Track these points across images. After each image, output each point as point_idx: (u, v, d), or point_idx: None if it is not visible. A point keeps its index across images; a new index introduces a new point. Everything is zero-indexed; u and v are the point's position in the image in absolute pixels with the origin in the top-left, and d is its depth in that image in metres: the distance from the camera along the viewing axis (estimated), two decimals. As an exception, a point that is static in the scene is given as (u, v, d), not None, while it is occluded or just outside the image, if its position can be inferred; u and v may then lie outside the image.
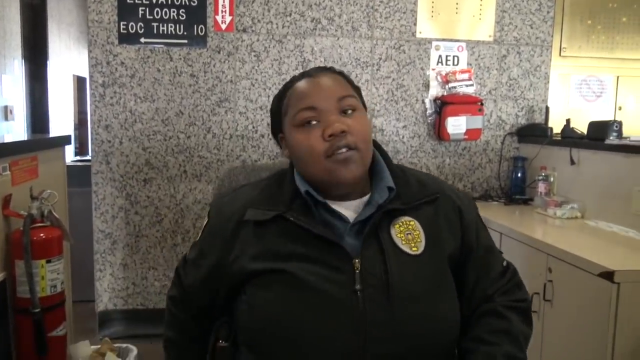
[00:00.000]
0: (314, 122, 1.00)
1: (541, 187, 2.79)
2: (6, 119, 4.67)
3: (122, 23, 2.80)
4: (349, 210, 1.02)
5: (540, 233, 2.36)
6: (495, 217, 2.55)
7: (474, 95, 3.06)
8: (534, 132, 3.08)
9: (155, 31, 2.83)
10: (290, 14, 2.93)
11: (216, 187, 1.32)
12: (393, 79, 3.05)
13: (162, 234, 2.94)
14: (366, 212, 1.00)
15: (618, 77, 3.41)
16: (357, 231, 0.99)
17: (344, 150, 0.97)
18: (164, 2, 2.82)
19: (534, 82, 3.18)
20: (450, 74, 3.05)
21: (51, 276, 1.65)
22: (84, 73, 6.13)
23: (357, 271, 0.94)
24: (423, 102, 3.08)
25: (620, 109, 3.42)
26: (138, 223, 2.92)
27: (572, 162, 2.64)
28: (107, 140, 2.85)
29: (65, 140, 2.31)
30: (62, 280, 1.70)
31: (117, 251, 2.92)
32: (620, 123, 2.56)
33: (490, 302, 1.04)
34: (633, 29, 3.40)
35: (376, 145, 1.10)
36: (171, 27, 2.84)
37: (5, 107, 4.65)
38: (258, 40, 2.91)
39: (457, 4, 3.06)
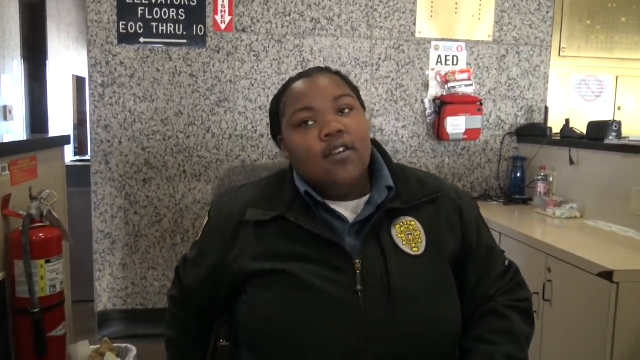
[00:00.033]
0: (310, 123, 0.99)
1: (540, 187, 2.80)
2: (5, 119, 4.66)
3: (121, 23, 2.80)
4: (348, 210, 1.02)
5: (539, 233, 2.37)
6: (495, 217, 2.55)
7: (473, 95, 3.06)
8: (533, 132, 3.08)
9: (154, 31, 2.83)
10: (290, 14, 2.93)
11: (216, 187, 1.32)
12: (392, 79, 3.05)
13: (162, 234, 2.94)
14: (366, 212, 0.99)
15: (617, 77, 3.41)
16: (356, 231, 0.99)
17: (341, 149, 0.97)
18: (163, 2, 2.82)
19: (533, 82, 3.18)
20: (449, 74, 3.05)
21: (50, 276, 1.65)
22: (84, 73, 6.13)
23: (358, 272, 0.94)
24: (422, 102, 3.09)
25: (619, 109, 3.43)
26: (137, 223, 2.92)
27: (572, 162, 2.64)
28: (106, 140, 2.85)
29: (65, 140, 2.31)
30: (62, 280, 1.70)
31: (117, 251, 2.92)
32: (619, 123, 2.56)
33: (491, 301, 1.04)
34: (632, 29, 3.40)
35: (376, 144, 1.10)
36: (170, 27, 2.84)
37: (5, 107, 4.65)
38: (257, 40, 2.91)
39: (456, 4, 3.06)
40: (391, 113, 3.07)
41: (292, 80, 1.07)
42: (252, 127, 2.95)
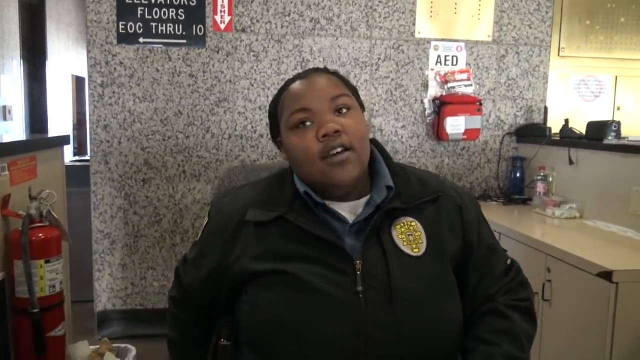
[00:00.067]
0: (308, 123, 0.99)
1: (540, 187, 2.80)
2: (5, 119, 4.66)
3: (120, 23, 2.80)
4: (348, 210, 1.02)
5: (538, 233, 2.37)
6: (494, 217, 2.55)
7: (472, 95, 3.06)
8: (532, 132, 3.09)
9: (154, 31, 2.83)
10: (289, 14, 2.93)
11: (215, 187, 1.32)
12: (392, 79, 3.05)
13: (161, 234, 2.94)
14: (365, 213, 0.99)
15: (616, 77, 3.42)
16: (356, 232, 0.99)
17: (339, 150, 0.96)
18: (163, 2, 2.82)
19: (533, 82, 3.18)
20: (449, 74, 3.05)
21: (50, 276, 1.64)
22: (83, 73, 6.12)
23: (359, 273, 0.94)
24: (422, 102, 3.09)
25: (618, 108, 3.43)
26: (137, 223, 2.92)
27: (571, 162, 2.65)
28: (105, 140, 2.85)
29: (64, 140, 2.31)
30: (61, 280, 1.70)
31: (116, 251, 2.92)
32: (618, 123, 2.57)
33: (493, 301, 1.03)
34: (631, 29, 3.40)
35: (376, 144, 1.09)
36: (170, 27, 2.84)
37: (4, 107, 4.64)
38: (257, 40, 2.91)
39: (455, 4, 3.06)
40: (390, 113, 3.07)
41: (289, 81, 1.07)
42: (252, 127, 2.95)
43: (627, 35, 3.39)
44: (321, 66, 2.78)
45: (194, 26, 2.86)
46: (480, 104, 3.03)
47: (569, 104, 3.37)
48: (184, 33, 2.85)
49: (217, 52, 2.89)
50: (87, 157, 3.43)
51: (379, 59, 3.03)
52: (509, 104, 3.18)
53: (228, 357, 1.06)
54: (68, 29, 6.34)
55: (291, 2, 2.92)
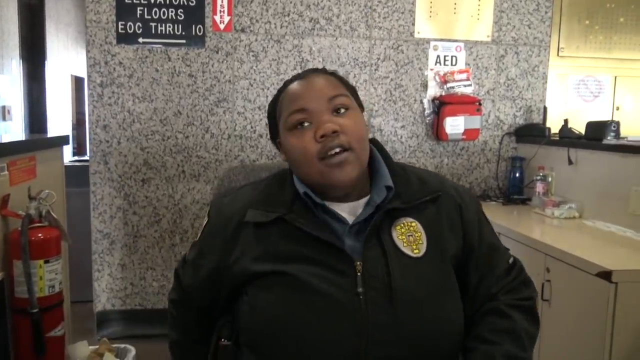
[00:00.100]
0: (306, 124, 0.99)
1: (539, 187, 2.80)
2: (4, 119, 4.66)
3: (120, 23, 2.80)
4: (348, 211, 1.01)
5: (538, 233, 2.37)
6: (494, 217, 2.55)
7: (472, 95, 3.06)
8: (532, 132, 3.09)
9: (153, 31, 2.83)
10: (289, 14, 2.93)
11: (215, 187, 1.32)
12: (391, 79, 3.05)
13: (161, 234, 2.94)
14: (365, 213, 0.99)
15: (616, 77, 3.42)
16: (356, 232, 0.98)
17: (337, 150, 0.96)
18: (162, 2, 2.82)
19: (532, 82, 3.18)
20: (448, 74, 3.05)
21: (49, 276, 1.64)
22: (82, 73, 6.12)
23: (359, 274, 0.94)
24: (421, 102, 3.09)
25: (617, 109, 3.43)
26: (136, 223, 2.92)
27: (570, 162, 2.65)
28: (105, 141, 2.85)
29: (64, 140, 2.31)
30: (60, 281, 1.70)
31: (115, 251, 2.92)
32: (617, 123, 2.57)
33: (494, 300, 1.03)
34: (631, 29, 3.40)
35: (376, 143, 1.09)
36: (169, 27, 2.84)
37: (3, 107, 4.65)
38: (256, 40, 2.92)
39: (455, 4, 3.07)
40: (390, 113, 3.07)
41: (287, 82, 1.07)
42: (251, 127, 2.95)
43: (627, 35, 3.40)
44: (320, 66, 2.78)
45: (193, 26, 2.86)
46: (480, 104, 3.04)
47: (568, 104, 3.37)
48: (183, 33, 2.85)
49: (217, 52, 2.89)
50: (86, 157, 3.43)
51: (378, 59, 3.03)
52: (509, 104, 3.18)
53: (229, 357, 1.05)
54: (67, 29, 6.34)
55: (291, 2, 2.92)
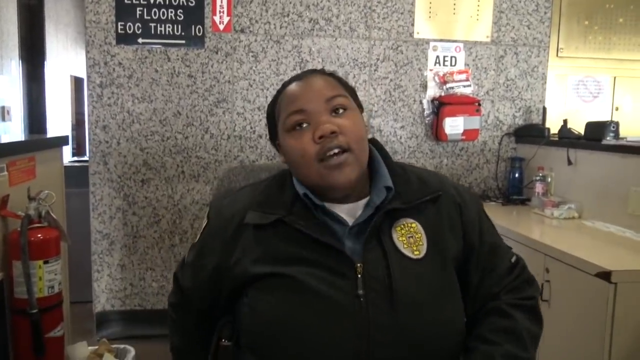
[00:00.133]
0: (304, 125, 0.98)
1: (538, 188, 2.80)
2: (3, 119, 4.66)
3: (119, 23, 2.80)
4: (348, 212, 1.01)
5: (537, 233, 2.37)
6: (493, 217, 2.50)
7: (471, 95, 3.07)
8: (531, 133, 3.09)
9: (152, 31, 2.83)
10: (288, 15, 2.93)
11: (215, 188, 1.32)
12: (391, 80, 3.05)
13: (160, 235, 2.94)
14: (364, 214, 0.98)
15: (615, 78, 3.42)
16: (356, 234, 0.98)
17: (336, 150, 0.95)
18: (162, 3, 2.82)
19: (531, 82, 3.18)
20: (447, 75, 3.05)
21: (49, 277, 1.64)
22: (82, 73, 6.12)
23: (359, 276, 0.93)
24: (421, 102, 3.09)
25: (617, 109, 3.43)
26: (136, 224, 2.91)
27: (569, 163, 2.65)
28: (104, 141, 2.85)
29: (63, 140, 2.31)
30: (60, 281, 1.70)
31: (115, 252, 2.92)
32: (617, 123, 2.57)
33: (496, 300, 1.03)
34: (630, 30, 3.40)
35: (375, 143, 1.08)
36: (169, 27, 2.84)
37: (3, 108, 4.64)
38: (256, 40, 2.92)
39: (454, 4, 3.07)
40: (389, 114, 3.07)
41: (286, 84, 1.06)
42: (251, 128, 2.95)
43: (626, 36, 3.40)
44: (320, 67, 2.78)
45: (193, 27, 2.86)
46: (479, 105, 3.04)
47: (567, 104, 3.37)
48: (183, 34, 2.85)
49: (216, 53, 2.89)
50: (86, 158, 3.43)
51: (377, 59, 3.03)
52: (508, 105, 3.18)
53: (229, 358, 1.05)
54: (67, 29, 6.34)
55: (290, 3, 2.92)
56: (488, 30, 3.11)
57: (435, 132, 3.04)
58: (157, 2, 2.81)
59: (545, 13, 3.15)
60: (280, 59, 2.94)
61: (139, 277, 2.94)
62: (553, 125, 3.01)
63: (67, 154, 5.01)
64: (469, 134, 3.04)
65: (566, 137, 2.83)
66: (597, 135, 2.57)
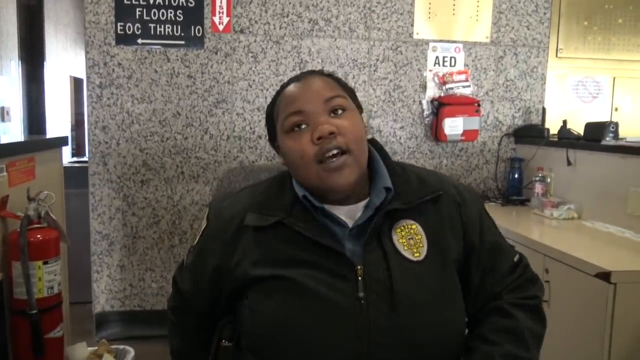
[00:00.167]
0: (303, 126, 0.97)
1: (538, 188, 2.80)
2: (3, 120, 4.66)
3: (119, 24, 2.80)
4: (348, 214, 1.00)
5: (537, 234, 2.37)
6: (492, 218, 2.55)
7: (471, 96, 3.07)
8: (530, 133, 3.09)
9: (152, 32, 2.83)
10: (288, 15, 2.93)
11: (214, 188, 1.31)
12: (390, 80, 3.05)
13: (160, 236, 2.94)
14: (364, 216, 0.98)
15: (614, 78, 3.42)
16: (356, 235, 0.97)
17: (334, 152, 0.94)
18: (161, 3, 2.82)
19: (531, 83, 3.19)
20: (447, 75, 3.05)
21: (48, 277, 1.64)
22: (81, 74, 6.12)
23: (360, 278, 0.93)
24: (420, 103, 3.09)
25: (616, 110, 3.44)
26: (135, 224, 2.91)
27: (569, 163, 2.65)
28: (104, 142, 2.85)
29: (63, 141, 2.31)
30: (59, 282, 1.70)
31: (114, 252, 2.92)
32: (616, 124, 2.57)
33: (498, 299, 1.02)
34: (629, 30, 3.41)
35: (375, 143, 1.08)
36: (168, 28, 2.84)
37: (2, 108, 4.64)
38: (255, 41, 2.92)
39: (454, 5, 3.07)
40: (389, 114, 3.07)
41: (284, 85, 1.05)
42: (250, 129, 2.95)
43: (625, 36, 3.40)
44: (319, 67, 2.78)
45: (192, 27, 2.86)
46: (479, 105, 3.04)
47: (567, 105, 3.38)
48: (182, 34, 2.85)
49: (216, 53, 2.89)
50: (85, 159, 3.43)
51: (377, 60, 3.03)
52: (507, 105, 3.18)
53: (229, 359, 1.05)
54: (66, 30, 6.34)
55: (290, 3, 2.92)
56: (487, 31, 3.11)
57: (435, 132, 3.04)
58: (157, 3, 2.81)
59: (545, 14, 3.16)
60: (280, 59, 2.94)
61: (139, 278, 2.94)
62: (552, 126, 3.02)
63: (66, 155, 5.01)
64: (469, 135, 3.04)
65: (565, 138, 2.83)
66: (596, 135, 2.57)
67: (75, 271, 2.42)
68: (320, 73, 1.06)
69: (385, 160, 1.05)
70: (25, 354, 1.63)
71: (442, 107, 3.00)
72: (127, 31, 2.81)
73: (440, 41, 3.08)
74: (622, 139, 2.57)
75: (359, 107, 1.06)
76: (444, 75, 3.06)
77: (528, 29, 3.14)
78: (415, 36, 3.05)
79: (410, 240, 0.98)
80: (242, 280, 0.99)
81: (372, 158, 1.05)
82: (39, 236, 1.62)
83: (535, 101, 3.20)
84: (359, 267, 0.93)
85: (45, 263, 1.63)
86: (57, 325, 1.70)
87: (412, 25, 3.04)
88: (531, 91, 3.19)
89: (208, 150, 2.93)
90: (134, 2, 2.79)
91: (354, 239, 0.97)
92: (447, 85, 3.05)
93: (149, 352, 2.11)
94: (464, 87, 3.05)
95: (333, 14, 2.96)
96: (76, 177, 3.14)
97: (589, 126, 2.70)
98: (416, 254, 0.97)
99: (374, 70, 3.03)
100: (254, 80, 2.93)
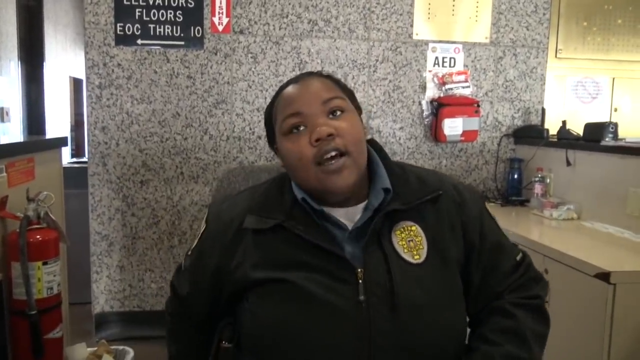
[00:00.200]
0: (301, 128, 0.97)
1: (537, 189, 2.80)
2: (2, 120, 4.66)
3: (118, 24, 2.80)
4: (347, 216, 0.99)
5: (536, 234, 2.37)
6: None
7: (470, 96, 3.07)
8: (530, 134, 3.09)
9: (152, 32, 2.83)
10: (287, 16, 2.93)
11: (214, 189, 1.31)
12: (390, 81, 3.06)
13: (159, 236, 2.94)
14: (363, 218, 0.97)
15: (614, 79, 3.42)
16: (355, 237, 0.97)
17: (333, 153, 0.94)
18: (161, 4, 2.82)
19: (530, 83, 3.19)
20: (446, 76, 3.05)
21: (47, 278, 1.64)
22: (81, 74, 6.12)
23: (360, 281, 0.92)
24: (420, 103, 3.09)
25: (615, 110, 3.44)
26: (135, 225, 2.91)
27: (568, 164, 2.65)
28: (103, 142, 2.85)
29: (62, 141, 2.30)
30: (59, 282, 1.69)
31: (114, 253, 2.92)
32: (615, 124, 2.57)
33: (500, 299, 1.01)
34: (628, 31, 3.41)
35: (374, 144, 1.07)
36: (168, 28, 2.84)
37: (2, 109, 4.64)
38: (255, 41, 2.92)
39: (453, 5, 3.07)
40: (388, 115, 3.07)
41: (282, 86, 1.05)
42: (250, 129, 2.95)
43: (624, 37, 3.40)
44: (319, 68, 2.78)
45: (192, 28, 2.86)
46: (478, 106, 3.04)
47: (566, 105, 3.38)
48: (182, 35, 2.85)
49: (215, 54, 2.89)
50: (85, 159, 3.43)
51: (376, 60, 3.03)
52: (507, 106, 3.18)
53: None
54: (66, 30, 6.34)
55: (289, 4, 2.92)
56: (487, 32, 3.11)
57: (434, 133, 3.05)
58: (156, 3, 2.81)
59: (544, 14, 3.16)
60: (280, 60, 2.94)
61: (138, 279, 2.94)
62: (552, 126, 3.02)
63: (66, 155, 5.01)
64: (468, 135, 3.04)
65: (565, 138, 2.83)
66: (596, 136, 2.57)
67: (75, 272, 2.42)
68: (319, 74, 1.05)
69: (384, 160, 1.05)
70: (25, 355, 1.62)
71: (441, 107, 3.01)
72: (127, 32, 2.81)
73: (440, 42, 3.08)
74: (621, 139, 2.57)
75: (358, 108, 1.05)
76: (443, 76, 3.06)
77: (527, 29, 3.15)
78: (414, 37, 3.05)
79: (410, 242, 0.97)
80: (242, 283, 0.98)
81: (371, 159, 1.04)
82: (38, 237, 1.62)
83: (535, 102, 3.20)
84: (359, 270, 0.93)
85: (44, 264, 1.63)
86: (57, 325, 1.70)
87: (411, 26, 3.05)
88: (531, 92, 3.19)
89: (208, 150, 2.93)
90: (133, 2, 2.79)
91: (353, 241, 0.97)
92: (447, 86, 3.05)
93: (148, 352, 2.11)
94: (463, 87, 3.05)
95: (332, 15, 2.96)
96: (76, 178, 3.13)
97: (589, 127, 2.70)
98: (416, 257, 0.96)
99: (374, 71, 3.03)
100: (253, 81, 2.93)
